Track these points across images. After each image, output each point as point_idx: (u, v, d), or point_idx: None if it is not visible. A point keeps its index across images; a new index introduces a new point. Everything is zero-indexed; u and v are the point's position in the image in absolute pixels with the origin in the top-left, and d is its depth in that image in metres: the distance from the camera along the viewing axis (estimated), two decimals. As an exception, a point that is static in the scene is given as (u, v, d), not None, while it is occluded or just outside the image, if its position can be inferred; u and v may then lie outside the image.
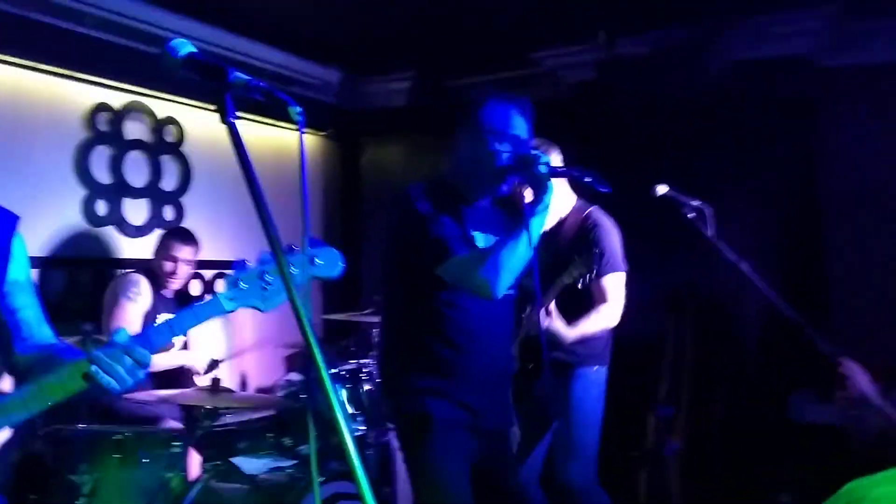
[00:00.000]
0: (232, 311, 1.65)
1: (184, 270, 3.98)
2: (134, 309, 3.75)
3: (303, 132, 1.36)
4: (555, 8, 4.37)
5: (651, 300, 3.73)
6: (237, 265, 1.66)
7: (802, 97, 4.39)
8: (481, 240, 2.44)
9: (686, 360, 4.27)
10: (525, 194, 2.39)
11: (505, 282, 2.25)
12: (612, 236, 3.25)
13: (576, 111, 4.77)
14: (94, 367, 1.49)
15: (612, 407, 3.27)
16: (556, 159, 3.04)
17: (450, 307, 2.39)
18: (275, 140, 5.17)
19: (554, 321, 2.99)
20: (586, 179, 2.34)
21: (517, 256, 2.23)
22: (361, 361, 3.77)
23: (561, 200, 3.14)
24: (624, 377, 3.36)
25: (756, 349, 4.37)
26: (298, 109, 1.33)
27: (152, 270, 3.98)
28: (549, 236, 2.94)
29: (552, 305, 2.99)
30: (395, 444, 3.59)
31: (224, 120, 1.33)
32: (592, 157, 3.18)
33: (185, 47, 1.35)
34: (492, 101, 2.39)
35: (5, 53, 3.85)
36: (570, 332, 3.05)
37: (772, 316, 3.54)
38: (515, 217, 2.36)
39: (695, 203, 3.34)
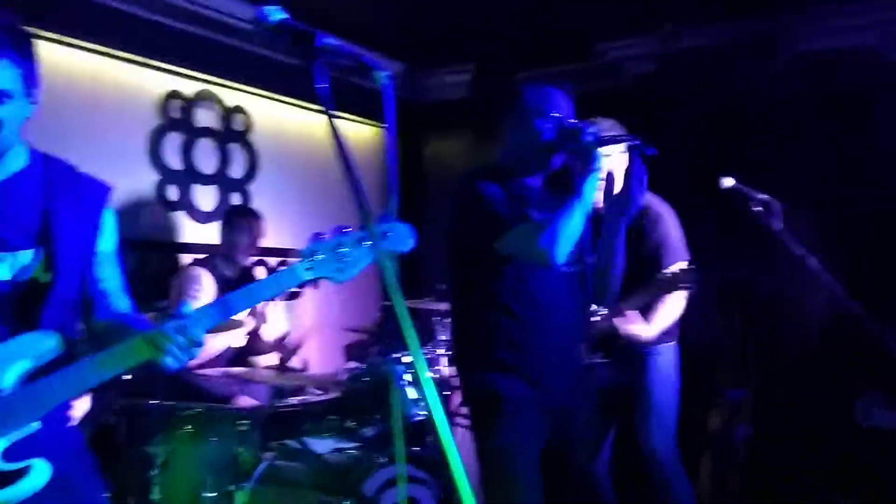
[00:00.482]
0: (308, 280, 1.70)
1: (255, 244, 4.07)
2: (197, 292, 3.81)
3: (390, 98, 1.38)
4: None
5: (714, 293, 3.67)
6: (314, 237, 1.71)
7: (870, 90, 4.28)
8: (537, 214, 2.49)
9: (750, 354, 4.20)
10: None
11: (563, 249, 2.30)
12: (673, 225, 3.24)
13: (639, 103, 4.72)
14: (159, 340, 1.56)
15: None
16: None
17: (514, 282, 2.45)
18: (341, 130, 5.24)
19: (632, 323, 3.00)
20: (633, 143, 2.37)
21: (573, 224, 2.30)
22: (423, 349, 3.79)
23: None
24: (687, 364, 3.34)
25: (822, 348, 4.28)
26: (385, 73, 1.36)
27: (220, 252, 4.04)
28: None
29: (630, 308, 3.00)
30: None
31: (314, 85, 1.35)
32: (656, 149, 3.18)
33: (277, 14, 1.39)
34: (531, 84, 2.54)
35: (83, 39, 3.97)
36: (649, 332, 3.06)
37: (839, 314, 3.47)
38: (568, 191, 2.43)
39: (762, 197, 3.30)
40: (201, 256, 4.16)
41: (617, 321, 3.00)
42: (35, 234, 1.66)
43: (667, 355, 3.25)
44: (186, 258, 4.34)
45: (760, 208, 3.26)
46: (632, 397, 3.23)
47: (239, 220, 4.11)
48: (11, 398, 1.54)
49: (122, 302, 1.85)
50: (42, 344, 1.60)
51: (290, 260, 4.94)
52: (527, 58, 5.17)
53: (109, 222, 1.82)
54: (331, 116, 1.35)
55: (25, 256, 1.64)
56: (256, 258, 4.26)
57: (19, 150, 1.70)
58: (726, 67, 4.53)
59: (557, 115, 2.44)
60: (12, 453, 1.55)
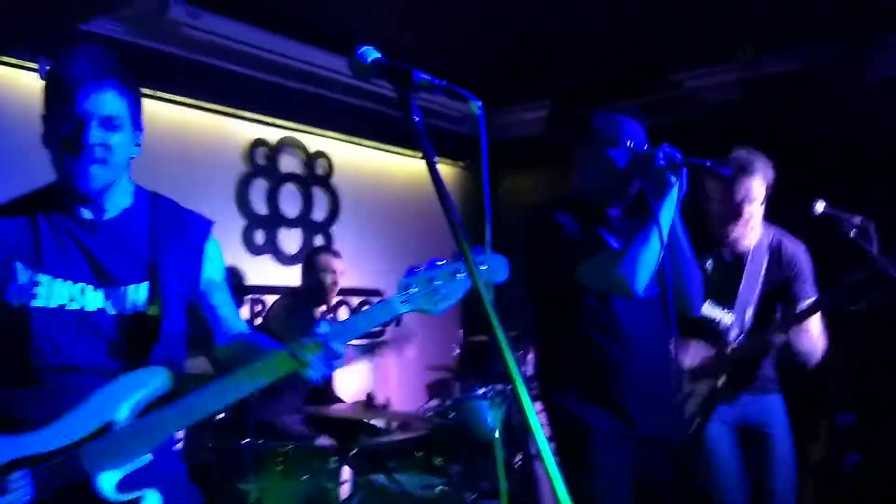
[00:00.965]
0: (404, 314, 1.72)
1: (338, 283, 4.14)
2: (282, 328, 3.90)
3: (483, 127, 1.40)
4: (693, 28, 4.32)
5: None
6: (409, 271, 1.73)
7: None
8: (615, 242, 2.47)
9: (853, 379, 4.02)
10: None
11: (643, 277, 2.26)
12: (806, 259, 3.15)
13: (720, 132, 4.65)
14: (301, 353, 1.60)
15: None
16: (764, 174, 2.97)
17: (595, 313, 2.41)
18: (418, 171, 5.34)
19: (810, 338, 2.90)
20: (707, 164, 2.32)
21: (651, 252, 2.25)
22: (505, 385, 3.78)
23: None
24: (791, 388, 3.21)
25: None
26: (478, 104, 1.38)
27: (306, 291, 4.13)
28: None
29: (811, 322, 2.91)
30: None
31: (408, 119, 1.38)
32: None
33: (372, 53, 1.44)
34: (602, 114, 2.51)
35: (175, 93, 4.18)
36: (818, 353, 2.95)
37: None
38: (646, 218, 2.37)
39: (856, 219, 3.20)
40: (284, 295, 4.25)
41: (793, 336, 2.86)
42: (143, 269, 1.73)
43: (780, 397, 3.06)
44: (273, 300, 4.45)
45: (855, 231, 3.16)
46: (757, 437, 3.00)
47: (319, 260, 4.18)
48: (127, 431, 1.60)
49: (239, 324, 1.90)
50: (153, 380, 1.66)
51: (372, 300, 5.03)
52: (601, 92, 5.16)
53: (214, 253, 1.88)
54: (426, 149, 1.37)
55: (135, 291, 1.71)
56: (338, 298, 4.32)
57: (128, 186, 1.78)
58: (812, 92, 4.43)
59: (630, 142, 2.41)
60: (126, 484, 1.60)
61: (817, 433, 3.85)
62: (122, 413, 1.62)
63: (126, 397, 1.63)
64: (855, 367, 4.02)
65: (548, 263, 2.44)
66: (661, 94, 5.05)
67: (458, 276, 1.72)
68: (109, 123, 1.64)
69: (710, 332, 2.95)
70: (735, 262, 3.01)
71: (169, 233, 1.78)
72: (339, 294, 4.40)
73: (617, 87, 5.06)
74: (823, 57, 4.38)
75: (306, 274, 4.20)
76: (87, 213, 1.71)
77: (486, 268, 1.65)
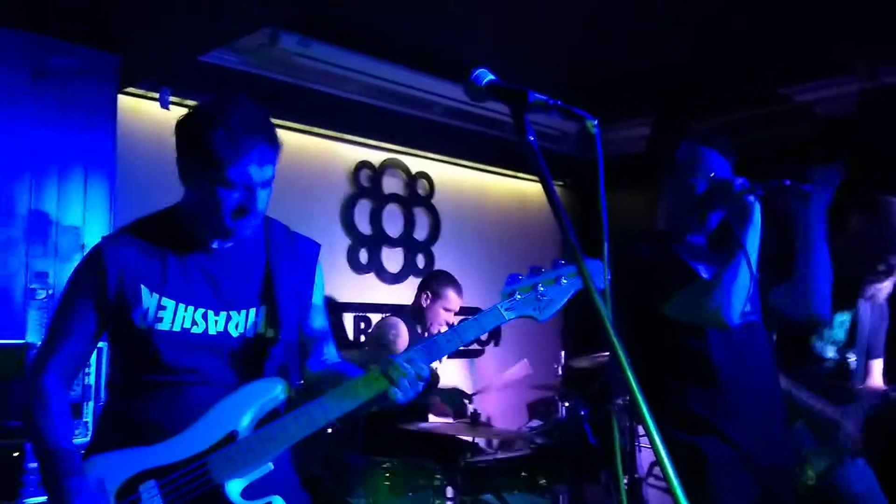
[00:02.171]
0: (510, 320, 1.73)
1: (451, 319, 4.14)
2: (393, 350, 3.97)
3: (599, 144, 1.41)
4: (803, 39, 4.18)
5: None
6: (511, 279, 1.75)
7: None
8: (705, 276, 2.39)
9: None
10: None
11: (736, 307, 2.20)
12: None
13: (832, 147, 4.48)
14: (392, 374, 1.64)
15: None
16: None
17: (692, 345, 2.34)
18: (516, 190, 5.36)
19: None
20: (786, 183, 2.25)
21: (740, 280, 2.19)
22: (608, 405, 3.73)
23: None
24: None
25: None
26: (594, 122, 1.39)
27: (416, 311, 4.15)
28: None
29: None
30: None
31: (523, 139, 1.40)
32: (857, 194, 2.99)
33: (487, 76, 1.46)
34: (684, 143, 2.48)
35: (283, 119, 4.35)
36: None
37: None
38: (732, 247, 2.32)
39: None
40: (396, 310, 4.30)
41: None
42: (259, 293, 1.81)
43: None
44: (376, 317, 4.53)
45: None
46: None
47: (442, 287, 4.13)
48: (250, 440, 1.68)
49: (331, 351, 1.97)
50: (270, 389, 1.73)
51: (456, 319, 5.06)
52: (709, 107, 5.06)
53: (320, 277, 1.95)
54: (542, 168, 1.38)
55: (254, 314, 1.79)
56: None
57: None
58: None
59: (711, 173, 2.36)
60: (251, 492, 1.67)
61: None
62: (245, 422, 1.69)
63: (248, 407, 1.70)
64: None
65: (636, 300, 2.37)
66: (769, 108, 4.91)
67: (562, 281, 1.73)
68: (268, 185, 1.72)
69: (836, 373, 2.82)
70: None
71: (283, 257, 1.85)
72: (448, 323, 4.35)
73: (723, 101, 4.95)
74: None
75: (421, 297, 4.12)
76: (214, 243, 1.79)
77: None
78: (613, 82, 4.94)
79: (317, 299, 1.93)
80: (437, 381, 3.93)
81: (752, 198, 2.25)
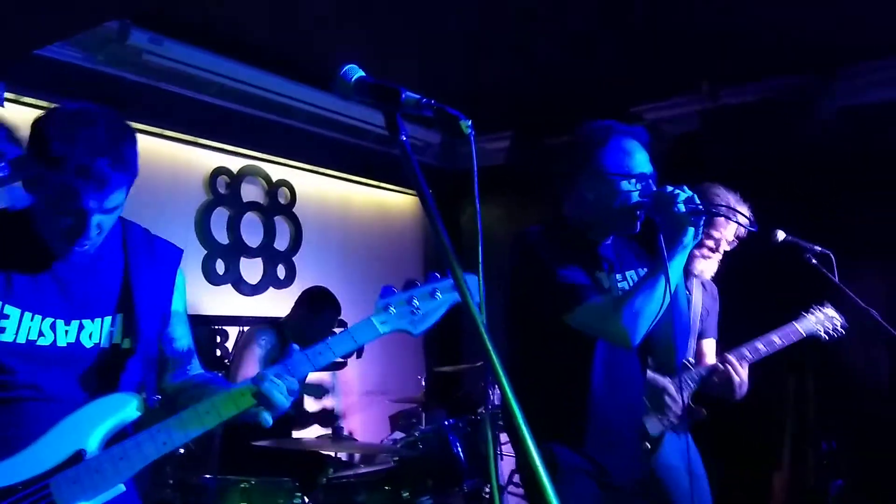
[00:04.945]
0: (385, 334, 1.69)
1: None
2: (262, 357, 3.79)
3: (474, 145, 1.38)
4: (654, 61, 4.41)
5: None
6: (385, 291, 1.71)
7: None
8: (607, 278, 2.33)
9: (809, 414, 4.08)
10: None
11: (643, 329, 2.09)
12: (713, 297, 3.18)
13: (679, 164, 4.73)
14: (264, 387, 1.54)
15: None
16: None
17: (580, 354, 2.25)
18: (380, 200, 5.32)
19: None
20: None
21: (655, 302, 2.07)
22: (471, 415, 3.75)
23: None
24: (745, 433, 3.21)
25: (890, 400, 4.15)
26: (468, 123, 1.36)
27: (290, 328, 4.00)
28: None
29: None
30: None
31: (396, 138, 1.36)
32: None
33: (357, 72, 1.41)
34: (611, 141, 2.26)
35: (134, 121, 4.08)
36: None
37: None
38: (654, 256, 2.20)
39: (816, 248, 3.25)
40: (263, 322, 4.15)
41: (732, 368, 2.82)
42: (117, 301, 1.69)
43: None
44: (233, 331, 4.35)
45: (815, 261, 3.22)
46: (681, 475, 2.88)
47: (321, 307, 4.03)
48: (100, 461, 1.53)
49: (194, 362, 1.86)
50: (123, 405, 1.60)
51: (336, 330, 4.94)
52: (564, 122, 5.21)
53: (181, 283, 1.85)
54: (414, 167, 1.34)
55: (109, 323, 1.66)
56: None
57: None
58: (768, 124, 4.53)
59: (642, 172, 2.20)
60: (98, 518, 1.53)
61: (780, 462, 3.88)
62: (94, 440, 1.55)
63: (97, 424, 1.57)
64: (821, 400, 4.08)
65: (535, 301, 2.25)
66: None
67: (437, 295, 1.71)
68: (111, 212, 1.60)
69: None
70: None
71: (141, 262, 1.74)
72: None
73: (577, 118, 5.11)
74: (780, 90, 4.50)
75: (300, 313, 4.01)
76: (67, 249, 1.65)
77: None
78: (473, 97, 5.01)
79: (177, 306, 1.83)
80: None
81: (690, 219, 2.07)
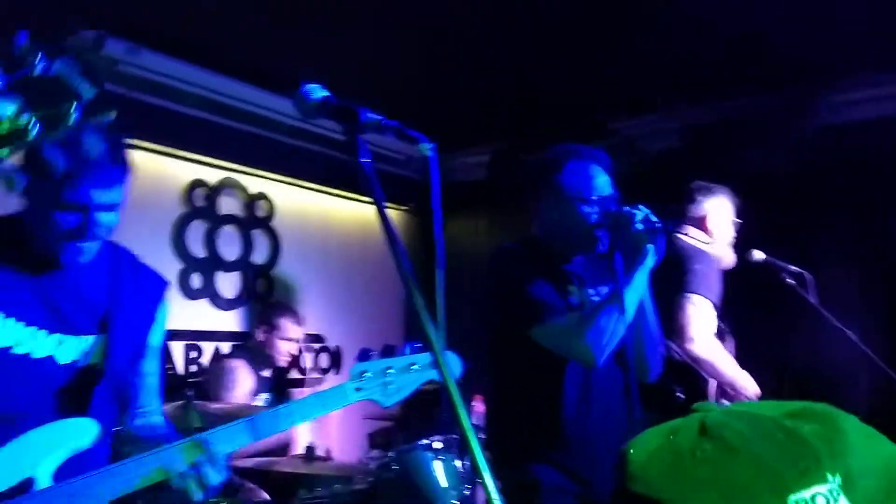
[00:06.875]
0: (354, 402, 1.66)
1: (294, 349, 3.99)
2: (233, 398, 3.68)
3: (435, 169, 1.35)
4: (633, 76, 4.40)
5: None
6: (361, 354, 1.67)
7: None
8: (578, 293, 2.35)
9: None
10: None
11: (608, 349, 2.14)
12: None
13: (658, 180, 4.72)
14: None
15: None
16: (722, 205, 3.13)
17: (553, 371, 2.28)
18: (361, 214, 5.28)
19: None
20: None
21: (615, 322, 2.12)
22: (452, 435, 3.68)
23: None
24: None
25: (868, 420, 4.13)
26: (430, 146, 1.33)
27: (256, 348, 3.95)
28: None
29: None
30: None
31: (356, 161, 1.33)
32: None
33: (318, 92, 1.38)
34: (569, 165, 2.32)
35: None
36: None
37: (882, 387, 3.36)
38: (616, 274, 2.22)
39: (793, 269, 3.25)
40: (237, 347, 4.11)
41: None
42: (98, 321, 1.64)
43: None
44: (209, 346, 4.28)
45: (793, 281, 3.21)
46: None
47: (278, 318, 3.98)
48: (49, 494, 1.46)
49: (155, 403, 1.81)
50: (81, 432, 1.54)
51: (313, 346, 4.90)
52: (544, 137, 5.19)
53: (162, 317, 1.80)
54: (375, 192, 1.30)
55: (88, 342, 1.62)
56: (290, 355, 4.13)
57: None
58: (748, 141, 4.54)
59: (601, 195, 2.27)
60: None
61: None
62: (44, 469, 1.48)
63: (50, 450, 1.50)
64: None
65: (507, 318, 2.30)
66: (599, 141, 5.12)
67: (412, 368, 1.67)
68: (112, 208, 1.57)
69: None
70: None
71: (126, 288, 1.70)
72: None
73: (557, 132, 5.09)
74: (760, 107, 4.51)
75: (263, 331, 3.97)
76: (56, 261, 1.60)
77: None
78: (453, 111, 4.99)
79: (154, 340, 1.78)
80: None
81: (649, 237, 2.14)
